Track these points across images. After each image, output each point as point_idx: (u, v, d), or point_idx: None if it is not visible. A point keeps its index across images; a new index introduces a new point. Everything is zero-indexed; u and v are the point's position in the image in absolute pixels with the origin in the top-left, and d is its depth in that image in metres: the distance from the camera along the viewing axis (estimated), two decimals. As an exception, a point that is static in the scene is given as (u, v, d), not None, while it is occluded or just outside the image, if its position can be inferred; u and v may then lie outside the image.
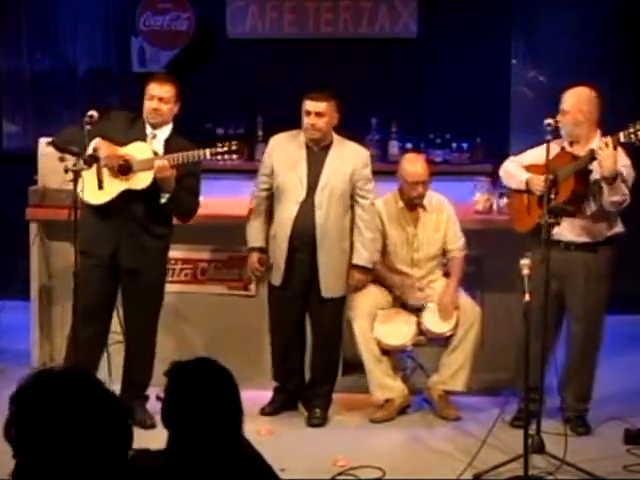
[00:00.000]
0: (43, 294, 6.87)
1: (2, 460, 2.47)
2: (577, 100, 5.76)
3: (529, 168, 5.88)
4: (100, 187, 5.63)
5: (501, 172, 6.09)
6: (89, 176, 5.53)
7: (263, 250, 6.07)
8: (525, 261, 5.19)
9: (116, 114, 5.94)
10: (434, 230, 6.19)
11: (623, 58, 8.14)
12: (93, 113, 5.66)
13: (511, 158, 6.12)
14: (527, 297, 5.07)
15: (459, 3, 8.19)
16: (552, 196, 5.56)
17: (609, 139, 5.47)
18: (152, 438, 2.90)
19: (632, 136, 5.39)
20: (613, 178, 5.48)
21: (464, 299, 6.15)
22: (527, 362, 5.18)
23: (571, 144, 5.79)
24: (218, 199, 6.25)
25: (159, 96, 5.76)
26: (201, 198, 6.75)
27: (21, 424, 2.19)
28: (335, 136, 5.98)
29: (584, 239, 5.76)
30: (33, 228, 6.77)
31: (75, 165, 5.50)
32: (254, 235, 6.07)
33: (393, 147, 8.24)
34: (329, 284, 5.92)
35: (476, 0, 8.23)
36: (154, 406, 5.71)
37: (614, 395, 6.24)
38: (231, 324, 6.70)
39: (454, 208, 6.27)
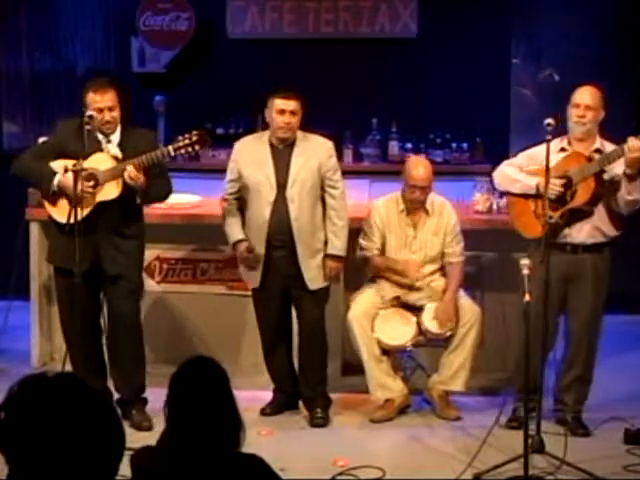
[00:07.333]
0: (43, 294, 6.88)
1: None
2: (597, 98, 5.68)
3: (537, 173, 5.70)
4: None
5: (497, 177, 5.94)
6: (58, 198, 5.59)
7: (246, 240, 5.99)
8: (525, 261, 5.18)
9: (64, 125, 5.84)
10: (433, 234, 6.16)
11: (623, 58, 8.14)
12: (93, 113, 5.65)
13: (506, 162, 5.97)
14: (527, 297, 5.07)
15: (459, 3, 8.19)
16: (568, 198, 5.55)
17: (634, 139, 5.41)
18: (149, 439, 2.93)
19: None
20: (635, 176, 5.46)
21: (464, 299, 6.13)
22: (528, 363, 5.17)
23: (569, 142, 5.76)
24: (217, 199, 6.24)
25: (107, 107, 5.69)
26: (198, 198, 6.77)
27: (10, 432, 2.17)
28: (298, 132, 5.96)
29: (594, 240, 5.69)
30: (33, 228, 6.78)
31: (75, 165, 5.51)
32: (233, 231, 6.02)
33: (393, 147, 8.24)
34: (313, 276, 5.92)
35: (476, 0, 8.23)
36: (152, 409, 5.72)
37: (614, 395, 6.23)
38: (231, 324, 6.71)
39: (454, 208, 6.24)
